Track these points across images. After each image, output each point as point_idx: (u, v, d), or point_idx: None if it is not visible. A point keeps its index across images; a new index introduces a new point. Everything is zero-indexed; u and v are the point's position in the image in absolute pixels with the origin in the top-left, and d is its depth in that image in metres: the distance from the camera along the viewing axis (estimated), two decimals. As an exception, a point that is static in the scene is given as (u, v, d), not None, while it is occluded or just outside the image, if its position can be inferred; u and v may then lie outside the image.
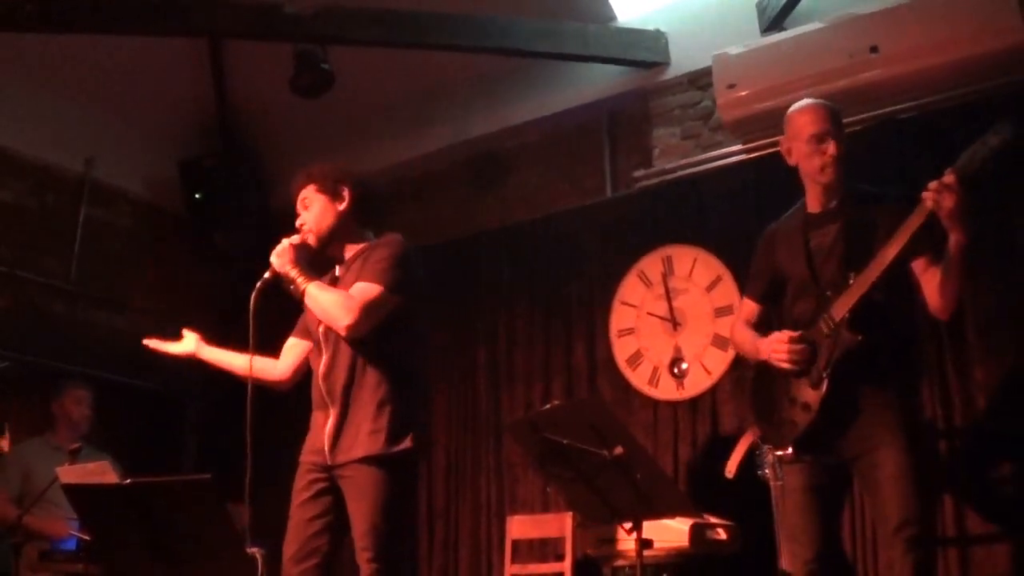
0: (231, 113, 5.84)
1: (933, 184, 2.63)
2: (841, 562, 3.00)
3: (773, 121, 3.57)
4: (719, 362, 4.48)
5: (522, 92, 5.28)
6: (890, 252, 2.73)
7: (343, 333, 2.92)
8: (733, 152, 4.65)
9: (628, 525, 3.08)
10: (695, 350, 4.59)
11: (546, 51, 4.93)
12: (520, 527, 4.39)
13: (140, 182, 5.95)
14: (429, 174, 5.74)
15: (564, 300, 5.00)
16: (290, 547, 2.95)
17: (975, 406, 3.81)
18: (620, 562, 3.74)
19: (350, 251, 3.12)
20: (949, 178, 2.61)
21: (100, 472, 3.56)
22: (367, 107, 5.62)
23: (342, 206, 3.11)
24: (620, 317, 4.82)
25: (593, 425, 2.94)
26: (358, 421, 2.92)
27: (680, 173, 4.79)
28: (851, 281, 2.80)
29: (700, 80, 4.81)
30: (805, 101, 3.07)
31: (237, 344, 3.17)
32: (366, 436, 2.89)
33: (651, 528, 3.16)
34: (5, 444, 4.42)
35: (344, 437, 2.93)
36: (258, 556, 3.69)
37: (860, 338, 2.75)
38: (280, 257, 3.02)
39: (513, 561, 4.34)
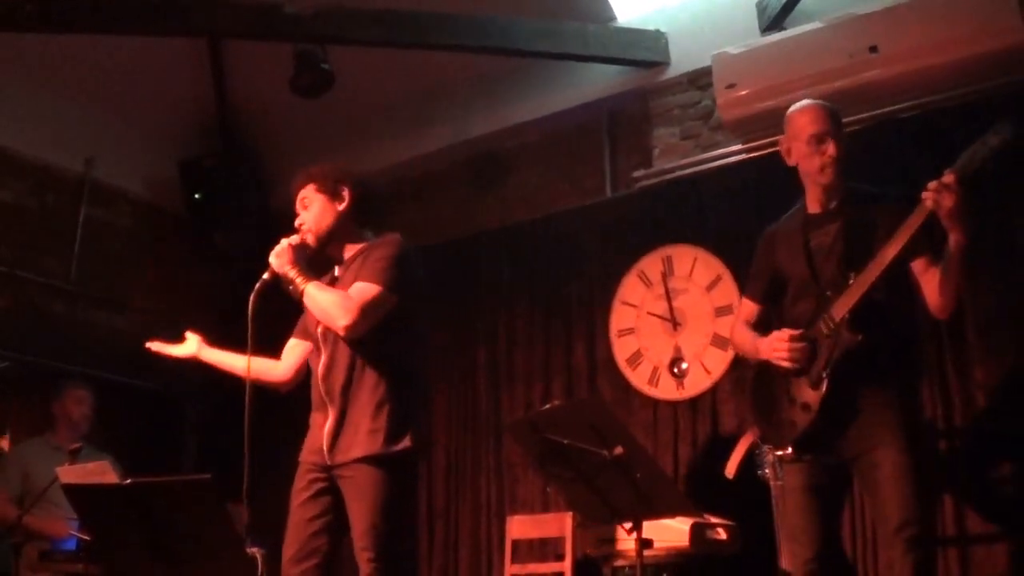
0: (231, 113, 5.84)
1: (933, 184, 2.63)
2: (841, 562, 3.00)
3: (773, 121, 3.57)
4: (719, 362, 4.48)
5: (522, 92, 5.28)
6: (890, 252, 2.73)
7: (341, 333, 2.92)
8: (733, 152, 4.65)
9: (628, 525, 3.08)
10: (695, 350, 4.59)
11: (546, 51, 4.93)
12: (520, 527, 4.39)
13: (140, 182, 5.95)
14: (429, 174, 5.74)
15: (564, 300, 5.01)
16: (290, 547, 2.94)
17: (975, 406, 3.81)
18: (620, 562, 3.74)
19: (349, 251, 3.11)
20: (949, 178, 2.61)
21: (100, 472, 3.56)
22: (367, 107, 5.62)
23: (342, 206, 3.11)
24: (620, 317, 4.82)
25: (593, 425, 2.94)
26: (357, 421, 2.92)
27: (680, 173, 4.79)
28: (851, 281, 2.80)
29: (700, 80, 4.81)
30: (805, 102, 3.08)
31: (237, 344, 3.17)
32: (365, 436, 2.89)
33: (651, 528, 3.16)
34: (5, 444, 4.43)
35: (343, 437, 2.93)
36: (258, 556, 3.70)
37: (860, 338, 2.75)
38: (279, 257, 3.01)
39: (513, 561, 4.34)
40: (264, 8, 4.67)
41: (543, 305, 5.06)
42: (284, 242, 3.04)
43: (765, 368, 3.00)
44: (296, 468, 3.05)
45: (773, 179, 3.51)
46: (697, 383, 4.53)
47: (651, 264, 4.78)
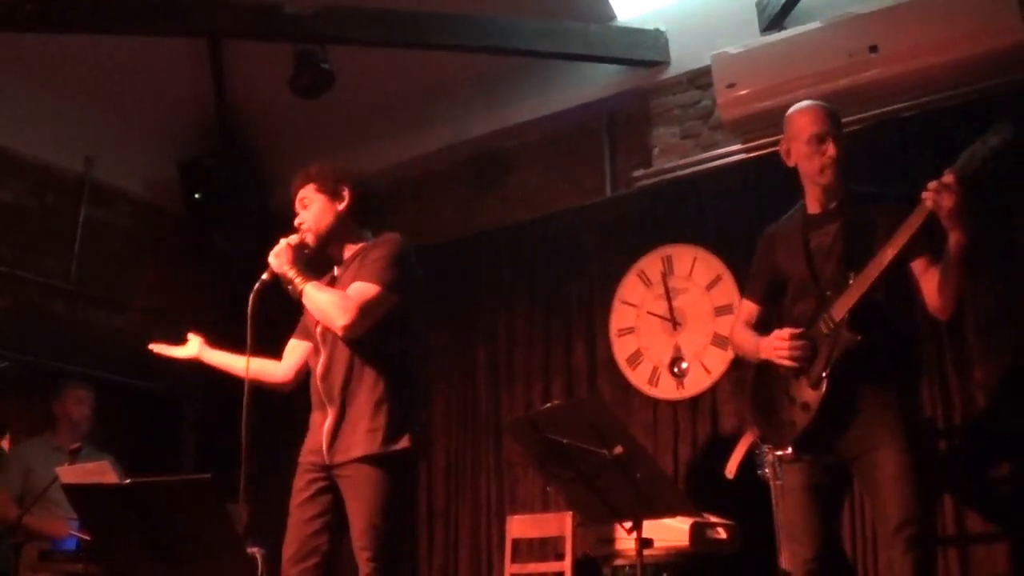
0: (231, 113, 5.84)
1: (932, 184, 2.62)
2: (841, 562, 3.00)
3: (773, 120, 3.57)
4: (719, 361, 4.48)
5: (522, 92, 5.28)
6: (890, 252, 2.73)
7: (340, 333, 2.92)
8: (733, 151, 4.65)
9: (628, 524, 3.08)
10: (695, 349, 4.59)
11: (546, 51, 4.94)
12: (520, 527, 4.39)
13: (140, 182, 5.96)
14: (429, 174, 5.74)
15: (564, 300, 5.00)
16: (290, 547, 2.95)
17: (975, 406, 3.81)
18: (620, 561, 3.73)
19: (349, 251, 3.11)
20: (948, 178, 2.61)
21: (100, 472, 3.56)
22: (367, 107, 5.62)
23: (341, 206, 3.11)
24: (620, 317, 4.82)
25: (593, 425, 2.94)
26: (355, 421, 2.92)
27: (680, 172, 4.80)
28: (851, 281, 2.80)
29: (700, 79, 4.82)
30: (804, 102, 3.08)
31: (237, 344, 3.17)
32: (363, 435, 2.89)
33: (651, 527, 3.16)
34: (5, 444, 4.42)
35: (342, 437, 2.93)
36: (258, 556, 3.70)
37: (860, 338, 2.75)
38: (278, 257, 3.01)
39: (513, 561, 4.34)
40: (264, 8, 4.67)
41: (543, 305, 5.06)
42: (283, 242, 3.05)
43: (765, 368, 3.00)
44: (296, 468, 3.05)
45: (773, 179, 3.51)
46: (697, 383, 4.53)
47: (651, 264, 4.78)
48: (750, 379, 3.15)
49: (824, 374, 2.80)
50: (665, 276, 4.73)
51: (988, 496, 3.71)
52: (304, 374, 3.19)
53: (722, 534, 3.71)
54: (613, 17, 5.05)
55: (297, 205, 3.14)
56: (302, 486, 3.00)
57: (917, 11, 4.07)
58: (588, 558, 4.01)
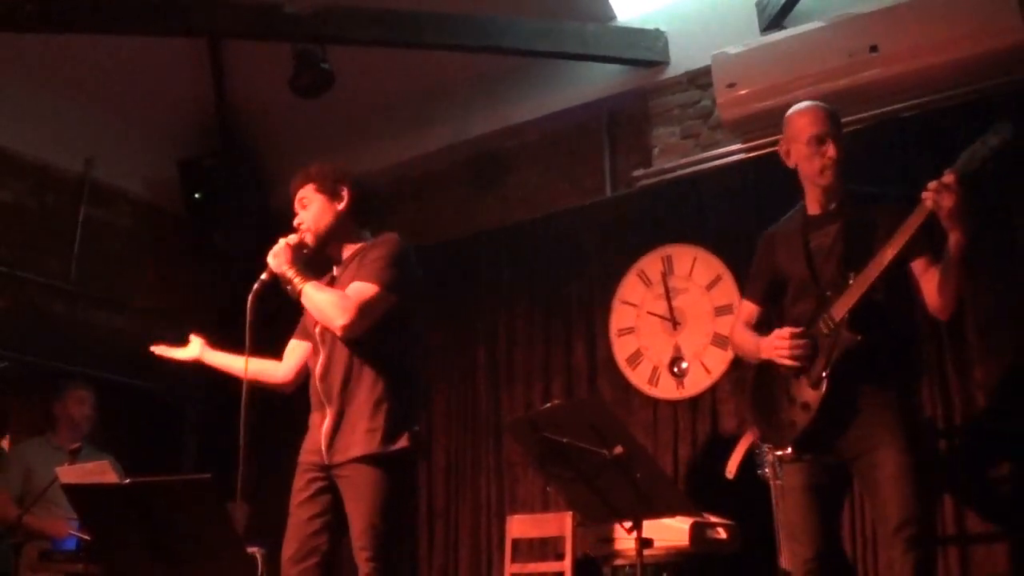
0: (231, 113, 5.84)
1: (932, 184, 2.62)
2: (841, 561, 3.00)
3: (773, 120, 3.57)
4: (719, 361, 4.48)
5: (522, 92, 5.28)
6: (889, 252, 2.73)
7: (339, 333, 2.92)
8: (733, 151, 4.65)
9: (628, 524, 3.08)
10: (695, 349, 4.59)
11: (546, 51, 4.94)
12: (520, 527, 4.39)
13: (140, 182, 5.96)
14: (429, 174, 5.74)
15: (564, 300, 5.00)
16: (289, 547, 2.94)
17: (975, 406, 3.81)
18: (620, 561, 3.74)
19: (348, 251, 3.11)
20: (948, 178, 2.60)
21: (100, 472, 3.56)
22: (367, 107, 5.62)
23: (341, 206, 3.11)
24: (620, 316, 4.82)
25: (593, 425, 2.94)
26: (354, 420, 2.92)
27: (680, 172, 4.80)
28: (851, 281, 2.80)
29: (700, 79, 4.82)
30: (804, 103, 3.07)
31: (237, 344, 3.17)
32: (362, 435, 2.89)
33: (651, 527, 3.16)
34: (5, 444, 4.42)
35: (341, 437, 2.93)
36: (258, 556, 3.70)
37: (860, 338, 2.75)
38: (277, 257, 3.01)
39: (513, 560, 4.34)
40: (264, 8, 4.67)
41: (543, 305, 5.06)
42: (282, 242, 3.04)
43: (765, 368, 3.00)
44: (296, 468, 3.05)
45: (773, 179, 3.51)
46: (697, 382, 4.53)
47: (651, 264, 4.78)
48: (750, 379, 3.15)
49: (824, 374, 2.80)
50: (665, 276, 4.73)
51: (988, 496, 3.71)
52: (305, 375, 3.19)
53: (722, 534, 3.71)
54: (613, 17, 5.05)
55: (296, 205, 3.14)
56: (302, 486, 2.99)
57: (917, 11, 4.08)
58: (588, 558, 4.01)
